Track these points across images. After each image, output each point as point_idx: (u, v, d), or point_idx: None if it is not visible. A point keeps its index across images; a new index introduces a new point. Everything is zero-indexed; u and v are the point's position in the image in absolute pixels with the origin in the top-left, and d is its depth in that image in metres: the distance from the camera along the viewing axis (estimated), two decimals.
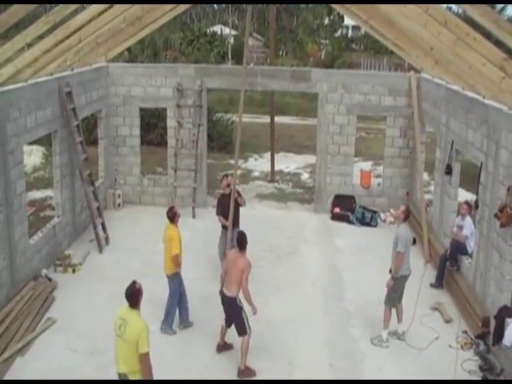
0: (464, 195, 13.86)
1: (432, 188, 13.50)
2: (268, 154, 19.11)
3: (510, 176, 8.23)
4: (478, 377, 8.01)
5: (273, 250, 12.22)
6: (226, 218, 10.48)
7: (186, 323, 8.99)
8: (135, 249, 11.91)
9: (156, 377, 6.00)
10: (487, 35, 8.05)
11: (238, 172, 16.92)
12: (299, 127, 26.82)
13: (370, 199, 14.69)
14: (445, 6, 10.18)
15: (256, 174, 18.94)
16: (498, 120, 8.81)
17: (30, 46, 9.69)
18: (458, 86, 11.16)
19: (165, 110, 14.95)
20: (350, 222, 14.02)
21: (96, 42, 11.84)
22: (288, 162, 20.29)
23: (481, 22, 7.01)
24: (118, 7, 10.65)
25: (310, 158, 19.24)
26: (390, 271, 8.72)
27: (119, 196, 14.46)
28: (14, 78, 9.46)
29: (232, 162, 14.08)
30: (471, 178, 11.95)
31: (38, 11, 20.41)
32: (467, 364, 8.22)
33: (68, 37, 10.25)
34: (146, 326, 5.90)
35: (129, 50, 26.82)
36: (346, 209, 14.25)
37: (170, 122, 14.62)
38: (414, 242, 11.90)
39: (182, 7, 13.68)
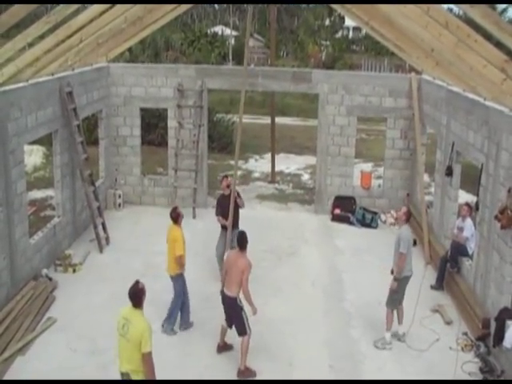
0: (464, 197, 13.86)
1: (432, 189, 13.50)
2: (268, 155, 19.12)
3: (511, 178, 8.23)
4: (478, 379, 8.00)
5: (273, 250, 12.22)
6: (226, 219, 10.48)
7: (186, 325, 8.98)
8: (135, 249, 11.92)
9: (156, 377, 6.00)
10: (488, 37, 8.05)
11: (239, 173, 16.94)
12: (300, 128, 26.83)
13: (370, 200, 14.68)
14: (446, 7, 10.17)
15: (256, 174, 18.94)
16: (498, 122, 8.81)
17: (31, 45, 9.69)
18: (459, 87, 11.16)
19: (165, 110, 14.97)
20: (351, 223, 14.01)
21: (97, 42, 11.85)
22: (288, 163, 20.30)
23: (482, 23, 7.00)
24: (119, 7, 10.65)
25: (311, 159, 19.24)
26: (392, 272, 8.73)
27: (120, 196, 14.46)
28: (15, 78, 9.46)
29: (232, 162, 14.07)
30: (472, 180, 11.96)
31: (39, 11, 20.49)
32: (467, 366, 8.22)
33: (69, 37, 10.25)
34: (149, 326, 5.92)
35: (130, 50, 26.87)
36: (346, 210, 14.24)
37: (171, 123, 14.62)
38: (415, 243, 11.87)
39: (183, 7, 13.68)
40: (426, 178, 15.50)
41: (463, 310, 9.60)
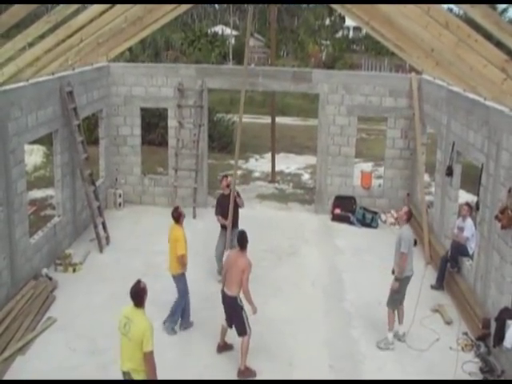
0: (465, 197, 13.85)
1: (433, 189, 13.50)
2: (269, 155, 19.12)
3: (511, 178, 8.23)
4: (478, 379, 8.00)
5: (273, 250, 12.22)
6: (225, 219, 10.48)
7: (186, 324, 8.98)
8: (136, 248, 11.92)
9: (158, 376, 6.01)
10: (488, 37, 8.05)
11: (239, 172, 16.95)
12: (300, 128, 26.83)
13: (370, 200, 14.68)
14: (446, 7, 10.17)
15: (257, 174, 18.94)
16: (499, 122, 8.81)
17: (31, 45, 9.69)
18: (459, 87, 11.15)
19: (166, 110, 14.97)
20: (351, 223, 14.01)
21: (97, 42, 11.85)
22: (289, 163, 20.29)
23: (482, 23, 7.01)
24: (119, 7, 10.65)
25: (311, 159, 19.24)
26: (393, 272, 8.72)
27: (120, 196, 14.46)
28: (15, 78, 9.46)
29: (233, 162, 14.07)
30: (472, 180, 11.96)
31: (39, 11, 20.47)
32: (468, 366, 8.21)
33: (69, 36, 10.25)
34: (150, 325, 5.92)
35: (130, 49, 26.87)
36: (346, 210, 14.24)
37: (171, 122, 14.62)
38: (415, 243, 11.87)
39: (183, 7, 13.68)
40: (426, 177, 15.49)
41: (463, 309, 9.59)
